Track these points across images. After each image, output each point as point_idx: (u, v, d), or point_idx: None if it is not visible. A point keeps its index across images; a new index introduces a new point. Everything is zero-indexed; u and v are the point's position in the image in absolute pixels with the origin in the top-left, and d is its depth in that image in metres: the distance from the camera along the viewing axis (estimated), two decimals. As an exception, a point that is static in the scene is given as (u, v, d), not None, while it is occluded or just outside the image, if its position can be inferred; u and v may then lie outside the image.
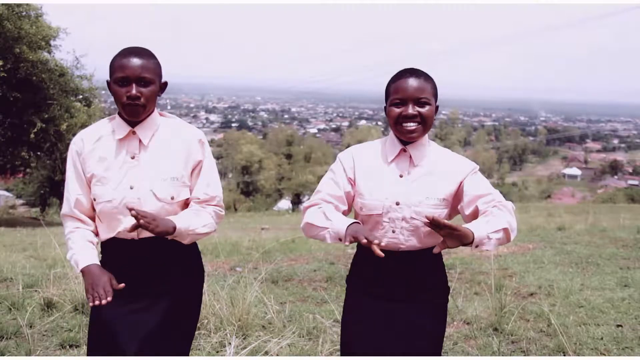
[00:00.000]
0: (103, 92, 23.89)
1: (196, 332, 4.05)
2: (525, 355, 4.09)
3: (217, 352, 3.92)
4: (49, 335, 4.15)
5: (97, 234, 2.39)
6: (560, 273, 6.59)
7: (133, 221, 2.15)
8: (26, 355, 3.76)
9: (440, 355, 2.43)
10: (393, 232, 2.29)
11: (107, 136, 2.33)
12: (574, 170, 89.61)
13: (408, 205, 2.27)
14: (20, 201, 46.32)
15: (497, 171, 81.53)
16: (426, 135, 2.35)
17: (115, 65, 2.24)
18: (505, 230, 2.17)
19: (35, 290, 5.01)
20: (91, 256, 2.29)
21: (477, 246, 2.11)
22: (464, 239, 2.07)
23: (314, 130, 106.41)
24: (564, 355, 4.01)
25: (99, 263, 2.30)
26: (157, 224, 2.14)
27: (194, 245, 2.46)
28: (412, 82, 2.26)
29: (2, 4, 18.18)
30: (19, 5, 19.21)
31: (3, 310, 4.62)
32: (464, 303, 5.19)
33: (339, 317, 4.40)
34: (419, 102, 2.25)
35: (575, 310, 5.08)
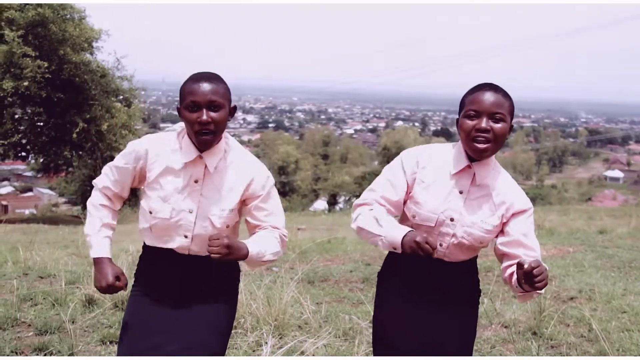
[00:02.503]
0: (143, 92, 24.29)
1: (233, 331, 4.10)
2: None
3: (254, 351, 3.95)
4: (90, 331, 4.23)
5: (116, 215, 2.47)
6: (601, 277, 6.45)
7: (184, 241, 2.28)
8: (68, 349, 3.84)
9: (471, 354, 2.42)
10: (440, 245, 2.28)
11: (175, 153, 2.32)
12: (616, 173, 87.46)
13: (462, 224, 2.25)
14: (63, 199, 47.42)
15: (536, 173, 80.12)
16: (493, 156, 2.29)
17: (186, 90, 2.23)
18: (538, 294, 2.27)
19: (77, 287, 5.12)
20: (105, 247, 2.38)
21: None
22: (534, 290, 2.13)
23: (351, 131, 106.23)
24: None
25: (111, 257, 2.40)
26: (230, 254, 2.17)
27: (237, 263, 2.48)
28: (490, 95, 2.18)
29: (48, 8, 18.64)
30: (63, 8, 19.69)
31: (47, 305, 4.73)
32: (502, 306, 5.12)
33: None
34: (494, 117, 2.17)
35: (617, 316, 4.96)
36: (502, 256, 2.33)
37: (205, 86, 2.21)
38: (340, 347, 4.04)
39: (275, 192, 2.45)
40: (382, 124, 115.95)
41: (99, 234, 2.39)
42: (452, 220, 2.25)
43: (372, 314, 2.51)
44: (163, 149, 2.33)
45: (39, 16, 18.53)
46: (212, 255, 2.13)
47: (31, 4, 18.61)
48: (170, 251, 2.36)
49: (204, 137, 2.22)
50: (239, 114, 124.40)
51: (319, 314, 4.69)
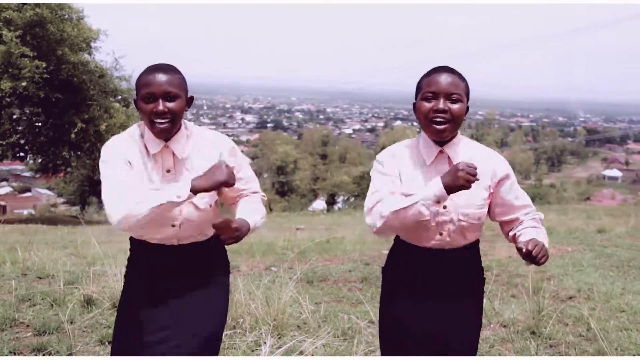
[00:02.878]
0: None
1: (231, 331, 4.10)
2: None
3: (253, 351, 3.95)
4: (89, 332, 4.23)
5: None
6: (600, 276, 6.45)
7: (172, 231, 2.29)
8: (67, 350, 3.84)
9: (477, 345, 2.44)
10: (440, 234, 2.29)
11: (141, 148, 2.32)
12: (615, 172, 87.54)
13: (455, 207, 2.26)
14: (61, 200, 47.46)
15: (534, 172, 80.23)
16: (457, 132, 2.31)
17: (141, 82, 2.25)
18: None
19: (76, 287, 5.12)
20: (175, 187, 2.20)
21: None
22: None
23: (349, 131, 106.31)
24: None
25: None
26: (241, 235, 2.23)
27: (222, 246, 2.48)
28: (446, 77, 2.22)
29: (46, 8, 18.63)
30: (61, 8, 19.68)
31: (45, 306, 4.73)
32: (500, 305, 5.12)
33: (374, 318, 4.39)
34: (451, 98, 2.20)
35: (616, 315, 4.96)
36: (502, 224, 2.40)
37: (160, 77, 2.23)
38: (339, 347, 4.04)
39: (242, 157, 2.50)
40: (381, 124, 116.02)
41: (160, 191, 2.22)
42: (445, 208, 2.25)
43: (379, 308, 2.50)
44: (129, 146, 2.32)
45: (37, 16, 18.51)
46: (227, 242, 2.20)
47: (29, 4, 18.59)
48: (161, 246, 2.36)
49: (159, 126, 2.23)
50: (237, 114, 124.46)
51: (317, 314, 4.69)
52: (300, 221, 19.44)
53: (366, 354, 3.88)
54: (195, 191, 2.18)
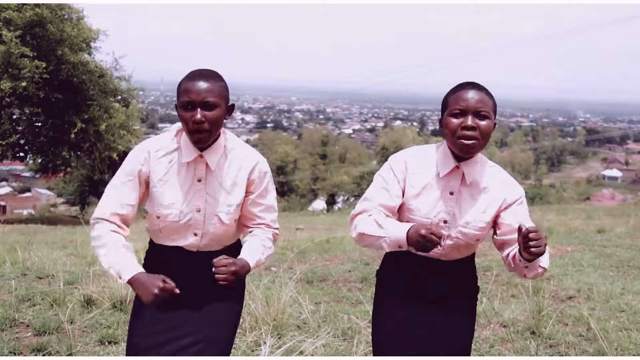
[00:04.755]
0: (141, 92, 24.24)
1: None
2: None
3: (253, 351, 3.95)
4: (89, 332, 4.23)
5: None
6: (600, 276, 6.46)
7: (194, 239, 2.33)
8: (67, 350, 3.84)
9: (470, 354, 2.43)
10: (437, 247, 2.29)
11: (174, 155, 2.31)
12: (614, 172, 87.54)
13: (456, 225, 2.26)
14: (61, 200, 47.41)
15: (534, 172, 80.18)
16: (480, 152, 2.28)
17: (181, 89, 2.21)
18: (544, 270, 2.23)
19: (76, 287, 5.12)
20: (135, 265, 2.22)
21: (526, 266, 2.18)
22: (532, 257, 2.08)
23: (349, 131, 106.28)
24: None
25: (143, 269, 2.26)
26: (237, 279, 2.22)
27: (239, 247, 2.48)
28: (474, 94, 2.18)
29: (46, 8, 18.63)
30: (61, 8, 19.68)
31: (45, 306, 4.73)
32: (500, 305, 5.12)
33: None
34: (480, 115, 2.16)
35: (616, 315, 4.96)
36: (501, 245, 2.32)
37: (201, 85, 2.19)
38: (339, 347, 4.04)
39: (271, 186, 2.47)
40: (381, 124, 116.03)
41: (123, 260, 2.23)
42: (445, 222, 2.25)
43: (372, 313, 2.51)
44: (162, 151, 2.31)
45: (36, 16, 18.50)
46: (220, 282, 2.17)
47: (29, 4, 18.58)
48: (179, 248, 2.37)
49: (198, 136, 2.21)
50: (237, 114, 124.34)
51: (317, 314, 4.69)
52: (300, 221, 19.44)
53: (366, 354, 3.88)
54: (131, 283, 2.18)
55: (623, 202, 47.46)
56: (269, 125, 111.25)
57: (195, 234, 2.33)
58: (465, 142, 2.17)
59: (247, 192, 2.38)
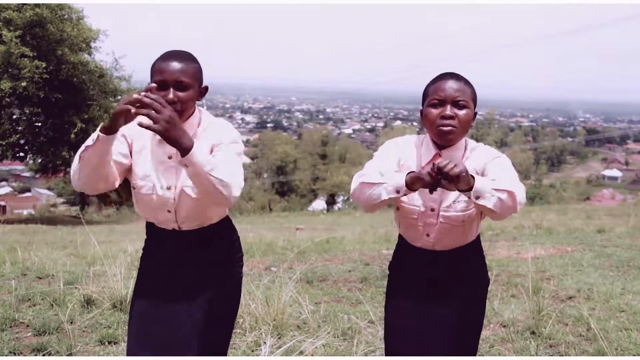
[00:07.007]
0: (142, 94, 24.19)
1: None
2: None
3: (252, 351, 3.95)
4: (89, 332, 4.23)
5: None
6: (600, 276, 6.45)
7: (168, 216, 2.28)
8: (67, 350, 3.84)
9: (477, 343, 2.44)
10: (427, 235, 2.31)
11: (148, 132, 2.28)
12: (614, 172, 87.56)
13: (438, 209, 2.27)
14: (61, 200, 47.47)
15: (534, 172, 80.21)
16: (463, 139, 2.30)
17: (155, 68, 2.21)
18: (511, 193, 2.04)
19: (76, 287, 5.12)
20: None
21: (477, 197, 2.01)
22: (462, 184, 1.97)
23: (349, 131, 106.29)
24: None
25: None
26: (170, 129, 2.01)
27: (234, 237, 2.52)
28: (452, 83, 2.22)
29: (46, 8, 18.64)
30: (61, 8, 19.69)
31: (45, 306, 4.73)
32: (500, 305, 5.12)
33: (374, 318, 4.41)
34: (458, 104, 2.21)
35: (616, 315, 4.96)
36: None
37: (174, 65, 2.19)
38: (339, 347, 4.04)
39: (232, 147, 2.28)
40: (381, 124, 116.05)
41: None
42: (432, 210, 2.27)
43: (374, 318, 2.52)
44: (138, 128, 2.23)
45: (36, 16, 18.52)
46: (153, 125, 2.00)
47: (29, 4, 18.60)
48: (163, 231, 2.37)
49: None
50: (237, 114, 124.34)
51: (317, 314, 4.69)
52: (300, 221, 19.45)
53: (366, 354, 3.88)
54: (103, 129, 2.06)
55: (623, 202, 47.47)
56: (269, 125, 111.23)
57: (169, 211, 2.31)
58: (443, 128, 2.20)
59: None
